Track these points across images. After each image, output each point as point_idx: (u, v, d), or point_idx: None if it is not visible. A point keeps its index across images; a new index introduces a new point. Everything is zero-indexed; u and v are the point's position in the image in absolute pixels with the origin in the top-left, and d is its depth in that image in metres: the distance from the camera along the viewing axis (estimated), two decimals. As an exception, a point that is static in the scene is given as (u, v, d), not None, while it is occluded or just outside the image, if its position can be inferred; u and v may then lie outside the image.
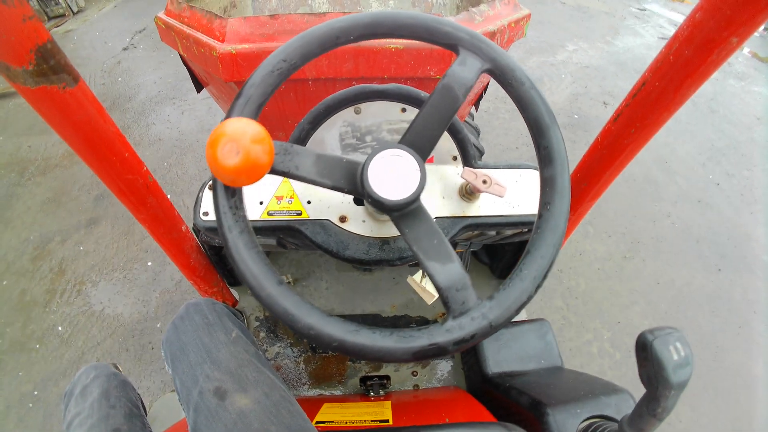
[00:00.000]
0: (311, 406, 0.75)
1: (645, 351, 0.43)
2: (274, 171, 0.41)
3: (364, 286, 1.15)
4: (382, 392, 0.89)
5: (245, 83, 0.43)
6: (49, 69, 0.50)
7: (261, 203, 0.62)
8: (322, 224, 0.61)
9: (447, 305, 0.38)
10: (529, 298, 0.38)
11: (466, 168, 0.58)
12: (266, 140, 0.36)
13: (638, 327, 1.85)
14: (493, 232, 0.71)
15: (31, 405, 1.69)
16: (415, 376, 1.00)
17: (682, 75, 0.50)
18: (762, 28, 5.08)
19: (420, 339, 0.36)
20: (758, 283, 2.05)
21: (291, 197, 0.62)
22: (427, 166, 0.65)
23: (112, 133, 0.58)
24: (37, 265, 2.17)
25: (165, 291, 2.02)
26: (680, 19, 4.49)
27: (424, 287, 0.61)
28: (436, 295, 0.48)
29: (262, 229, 0.62)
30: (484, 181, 0.56)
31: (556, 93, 3.32)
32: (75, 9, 4.70)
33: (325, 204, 0.61)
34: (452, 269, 0.39)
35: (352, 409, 0.75)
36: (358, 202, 0.62)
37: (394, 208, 0.41)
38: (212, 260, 1.00)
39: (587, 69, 3.64)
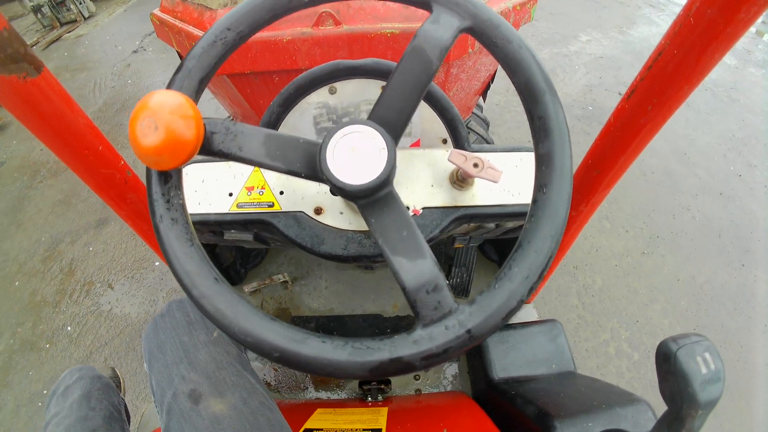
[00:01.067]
0: (304, 411, 0.71)
1: (667, 363, 0.36)
2: (212, 153, 0.36)
3: (365, 285, 1.10)
4: (380, 397, 0.84)
5: (186, 56, 0.39)
6: (6, 58, 0.46)
7: (230, 195, 0.57)
8: (296, 217, 0.55)
9: (415, 311, 0.32)
10: (520, 302, 0.32)
11: (453, 150, 0.51)
12: (190, 113, 0.31)
13: (658, 326, 1.77)
14: (492, 225, 0.64)
15: (40, 404, 1.70)
16: (418, 380, 0.95)
17: (705, 39, 0.42)
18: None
19: (380, 352, 0.30)
20: (786, 279, 1.94)
21: (262, 188, 0.57)
22: (414, 151, 0.60)
23: (83, 125, 0.55)
24: (47, 265, 2.19)
25: (172, 290, 2.02)
26: (699, 5, 4.31)
27: None
28: None
29: (232, 223, 0.57)
30: (476, 165, 0.49)
31: (569, 84, 3.22)
32: (86, 14, 4.78)
33: (300, 195, 0.56)
34: (423, 266, 0.33)
35: (345, 415, 0.71)
36: (334, 192, 0.57)
37: (358, 194, 0.35)
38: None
39: (601, 59, 3.52)
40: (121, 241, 2.24)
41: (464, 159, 0.49)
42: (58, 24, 4.66)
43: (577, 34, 3.92)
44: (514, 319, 1.04)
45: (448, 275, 1.13)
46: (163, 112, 0.30)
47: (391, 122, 0.37)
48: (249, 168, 0.58)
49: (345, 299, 1.08)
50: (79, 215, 2.43)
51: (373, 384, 0.90)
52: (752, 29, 4.36)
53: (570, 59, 3.53)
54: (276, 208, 0.56)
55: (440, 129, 0.65)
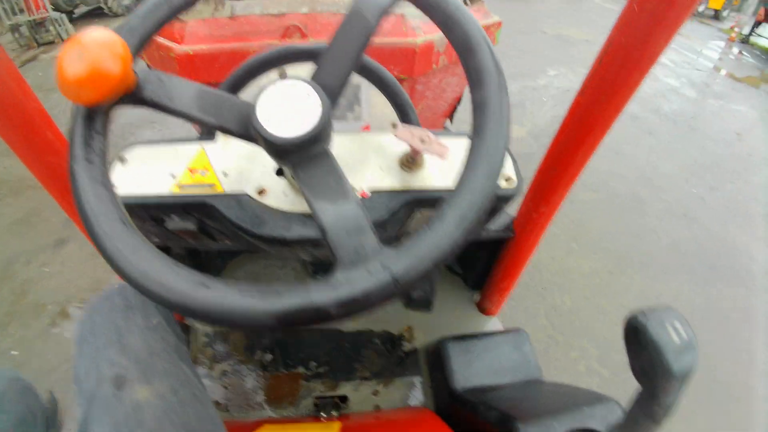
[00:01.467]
0: (250, 427, 0.66)
1: (637, 336, 0.35)
2: (143, 101, 0.36)
3: None
4: (334, 413, 0.79)
5: (131, 13, 0.39)
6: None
7: (173, 176, 0.55)
8: (238, 198, 0.53)
9: (335, 254, 0.30)
10: (453, 246, 0.29)
11: (400, 125, 0.50)
12: (120, 52, 0.31)
13: (627, 345, 1.78)
14: None
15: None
16: (377, 396, 0.90)
17: (649, 25, 0.45)
18: (737, 51, 5.30)
19: (291, 296, 0.27)
20: (748, 294, 2.00)
21: (206, 169, 0.55)
22: (363, 135, 0.59)
23: (32, 108, 0.54)
24: (-2, 286, 2.06)
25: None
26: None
27: None
28: None
29: (173, 207, 0.55)
30: (422, 140, 0.48)
31: (537, 116, 3.36)
32: (65, 36, 4.76)
33: (244, 177, 0.54)
34: (345, 206, 0.31)
35: (293, 431, 0.66)
36: (279, 172, 0.55)
37: (290, 148, 0.33)
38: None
39: (568, 92, 3.71)
40: (79, 262, 2.14)
41: (411, 134, 0.49)
42: (35, 44, 4.61)
43: (545, 69, 4.14)
44: (479, 330, 1.02)
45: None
46: (92, 45, 0.30)
47: (329, 84, 0.37)
48: (194, 150, 0.57)
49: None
50: (38, 235, 2.32)
51: (327, 398, 0.85)
52: (710, 65, 4.70)
53: (538, 92, 3.71)
54: (218, 190, 0.54)
55: (391, 114, 0.66)
